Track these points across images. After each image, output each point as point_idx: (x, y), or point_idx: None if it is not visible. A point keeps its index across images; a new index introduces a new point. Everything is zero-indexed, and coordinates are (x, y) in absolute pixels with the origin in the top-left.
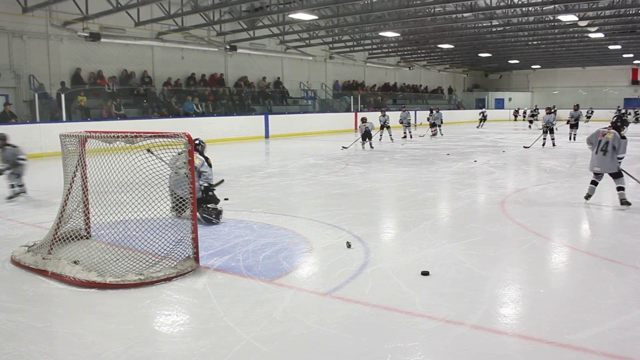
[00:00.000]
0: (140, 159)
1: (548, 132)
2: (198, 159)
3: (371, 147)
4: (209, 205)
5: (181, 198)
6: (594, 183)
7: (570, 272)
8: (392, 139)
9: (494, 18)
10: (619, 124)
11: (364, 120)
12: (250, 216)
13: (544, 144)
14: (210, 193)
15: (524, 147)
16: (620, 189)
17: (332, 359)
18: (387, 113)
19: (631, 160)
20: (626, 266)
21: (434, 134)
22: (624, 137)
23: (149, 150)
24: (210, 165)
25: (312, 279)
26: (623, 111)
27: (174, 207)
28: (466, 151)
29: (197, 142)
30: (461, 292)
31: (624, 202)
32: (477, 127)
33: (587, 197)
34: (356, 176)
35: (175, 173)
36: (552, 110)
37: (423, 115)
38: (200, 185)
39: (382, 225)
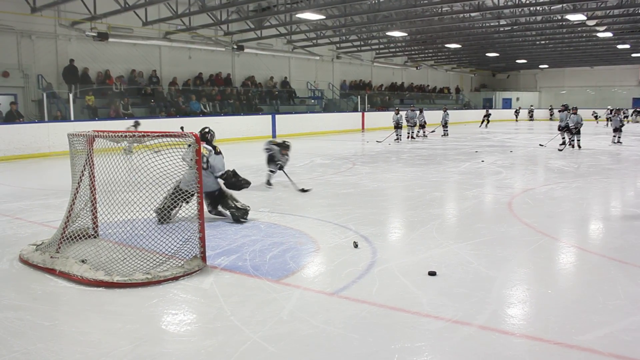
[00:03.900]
0: (148, 158)
1: (574, 133)
2: (205, 149)
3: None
4: (237, 204)
5: (187, 192)
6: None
7: (578, 272)
8: (400, 139)
9: (501, 17)
10: None
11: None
12: (257, 216)
13: (570, 145)
14: (231, 181)
15: (550, 146)
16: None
17: (339, 359)
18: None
19: (638, 160)
20: (634, 267)
21: (408, 136)
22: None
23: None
24: (219, 153)
25: (319, 278)
26: None
27: (167, 203)
28: (474, 151)
29: (206, 130)
30: (468, 292)
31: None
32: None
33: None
34: (363, 176)
35: (190, 167)
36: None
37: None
38: (216, 177)
39: (389, 225)
